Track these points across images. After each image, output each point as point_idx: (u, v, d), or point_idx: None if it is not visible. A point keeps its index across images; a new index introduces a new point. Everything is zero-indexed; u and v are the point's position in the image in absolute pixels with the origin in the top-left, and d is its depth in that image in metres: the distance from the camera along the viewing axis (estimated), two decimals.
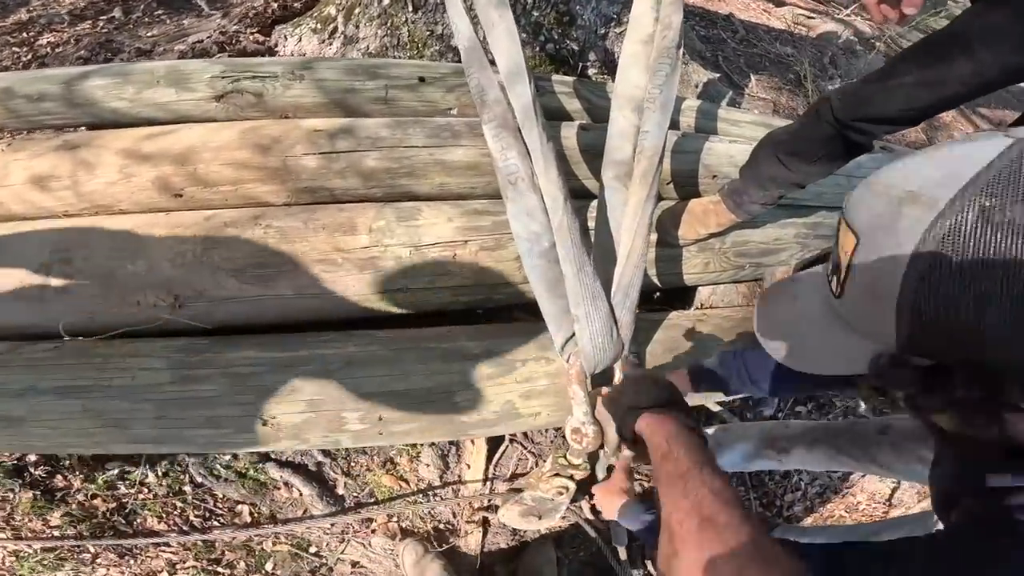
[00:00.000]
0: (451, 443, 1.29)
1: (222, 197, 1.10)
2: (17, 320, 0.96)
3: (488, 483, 1.25)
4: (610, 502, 0.88)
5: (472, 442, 1.27)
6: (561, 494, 1.02)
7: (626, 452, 0.89)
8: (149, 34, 1.85)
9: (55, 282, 0.93)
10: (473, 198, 1.15)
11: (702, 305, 1.31)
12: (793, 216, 1.34)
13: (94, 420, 0.87)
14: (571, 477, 1.04)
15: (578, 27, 1.72)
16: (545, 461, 1.10)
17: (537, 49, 1.66)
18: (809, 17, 2.92)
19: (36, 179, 1.08)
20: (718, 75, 2.24)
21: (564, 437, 0.96)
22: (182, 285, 0.96)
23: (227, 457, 1.11)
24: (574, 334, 0.91)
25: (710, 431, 1.22)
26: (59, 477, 1.05)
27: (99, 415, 0.87)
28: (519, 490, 1.10)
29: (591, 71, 1.78)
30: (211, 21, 1.91)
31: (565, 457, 1.03)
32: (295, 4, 1.95)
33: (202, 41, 1.75)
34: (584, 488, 1.06)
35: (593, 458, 1.02)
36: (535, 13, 1.62)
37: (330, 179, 1.12)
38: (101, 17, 1.90)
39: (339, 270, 1.01)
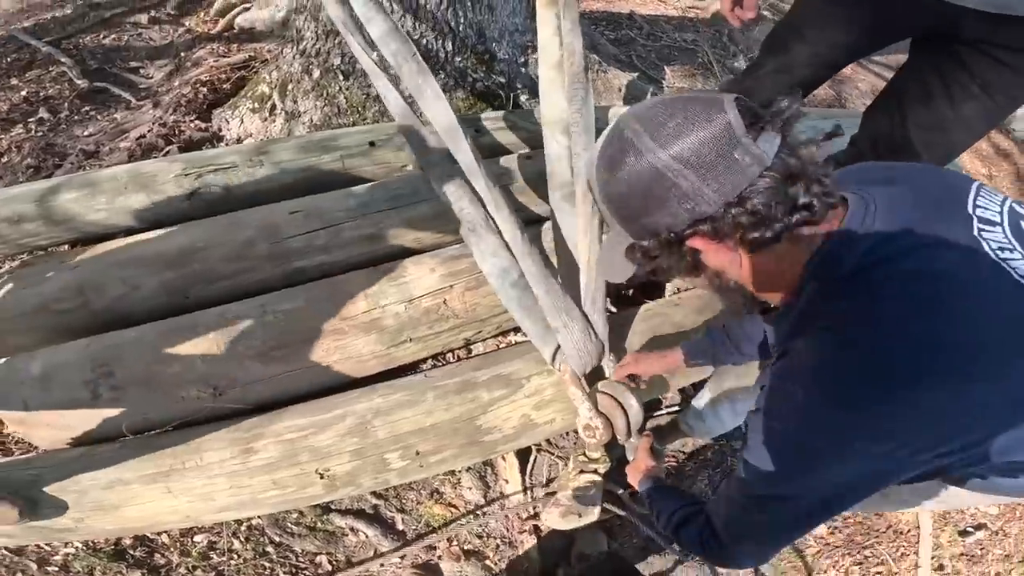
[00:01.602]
0: (485, 464, 1.42)
1: (227, 290, 1.25)
2: (83, 428, 1.09)
3: (528, 492, 1.39)
4: (636, 479, 1.04)
5: (503, 458, 1.41)
6: (591, 489, 1.19)
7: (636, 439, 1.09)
8: (86, 133, 1.94)
9: (106, 394, 1.07)
10: (448, 244, 1.32)
11: (678, 290, 1.47)
12: None
13: (179, 498, 1.02)
14: (595, 471, 1.21)
15: (499, 62, 1.91)
16: (569, 462, 1.28)
17: (468, 91, 1.84)
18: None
19: None
20: (636, 74, 2.50)
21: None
22: (217, 376, 1.11)
23: (295, 515, 1.24)
24: (559, 345, 1.10)
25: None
26: (157, 555, 1.16)
27: (183, 493, 1.02)
28: (554, 494, 1.24)
29: (522, 98, 1.99)
30: (144, 113, 2.02)
31: (584, 454, 1.21)
32: (224, 86, 2.09)
33: (145, 136, 1.84)
34: (617, 480, 1.22)
35: (612, 449, 1.18)
36: (457, 59, 1.80)
37: (316, 256, 1.28)
38: (30, 120, 1.97)
39: (347, 336, 1.18)
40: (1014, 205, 0.63)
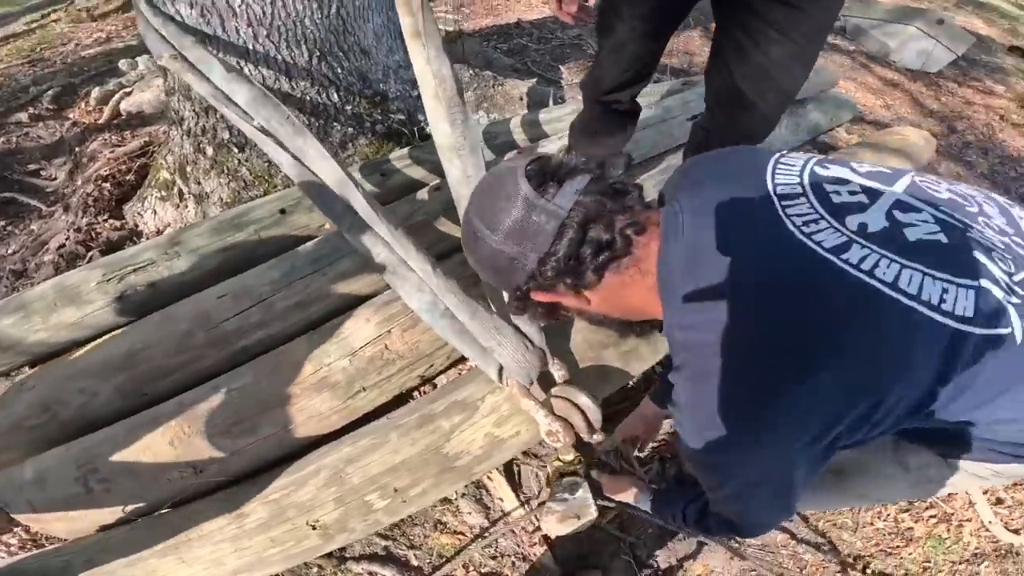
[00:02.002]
0: (478, 487, 1.47)
1: (179, 381, 1.28)
2: (91, 518, 1.16)
3: (525, 505, 1.44)
4: (621, 493, 1.13)
5: (490, 479, 1.46)
6: (576, 490, 1.25)
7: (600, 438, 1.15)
8: (10, 251, 1.92)
9: (97, 487, 1.13)
10: (380, 292, 1.38)
11: None
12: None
13: (194, 567, 1.10)
14: (575, 472, 1.28)
15: (393, 100, 1.96)
16: (547, 468, 1.34)
17: (370, 135, 1.88)
18: None
19: None
20: (534, 79, 2.61)
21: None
22: (191, 457, 1.16)
23: (315, 569, 1.28)
24: (501, 364, 1.16)
25: None
26: None
27: (195, 562, 1.10)
28: (544, 503, 1.29)
29: (428, 129, 2.05)
30: (58, 220, 2.00)
31: (559, 458, 1.28)
32: (128, 178, 2.08)
33: (64, 245, 1.83)
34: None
35: (584, 447, 1.24)
36: (348, 108, 1.84)
37: (254, 332, 1.32)
38: None
39: (302, 399, 1.22)
40: (815, 168, 0.66)
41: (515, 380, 1.16)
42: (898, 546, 1.76)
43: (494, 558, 1.39)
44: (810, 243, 0.57)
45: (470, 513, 1.42)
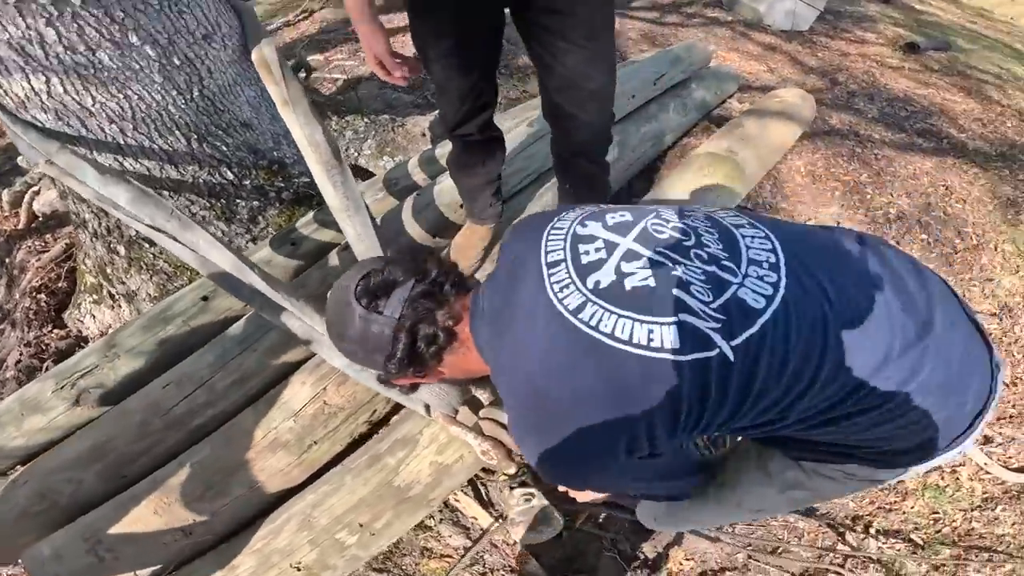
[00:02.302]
0: (451, 511, 1.56)
1: (151, 461, 1.41)
2: None
3: (499, 520, 1.49)
4: (579, 493, 1.21)
5: (457, 501, 1.55)
6: (531, 498, 1.38)
7: None
8: None
9: (107, 556, 1.26)
10: (309, 357, 1.50)
11: None
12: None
13: None
14: (523, 483, 1.41)
15: (291, 165, 1.94)
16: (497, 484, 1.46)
17: (277, 205, 1.91)
18: None
19: None
20: (434, 112, 2.65)
21: None
22: (179, 522, 1.30)
23: None
24: (425, 401, 1.31)
25: None
26: None
27: None
28: (506, 517, 1.42)
29: None
30: (8, 338, 2.04)
31: (504, 474, 1.43)
32: (60, 285, 2.13)
33: (20, 360, 1.89)
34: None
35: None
36: (247, 183, 1.82)
37: (204, 411, 1.44)
38: None
39: (259, 460, 1.35)
40: (577, 228, 0.75)
41: (440, 412, 1.31)
42: (895, 501, 1.79)
43: (484, 575, 1.49)
44: (560, 307, 0.67)
45: (451, 536, 1.53)
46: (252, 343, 1.51)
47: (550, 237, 0.75)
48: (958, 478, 1.86)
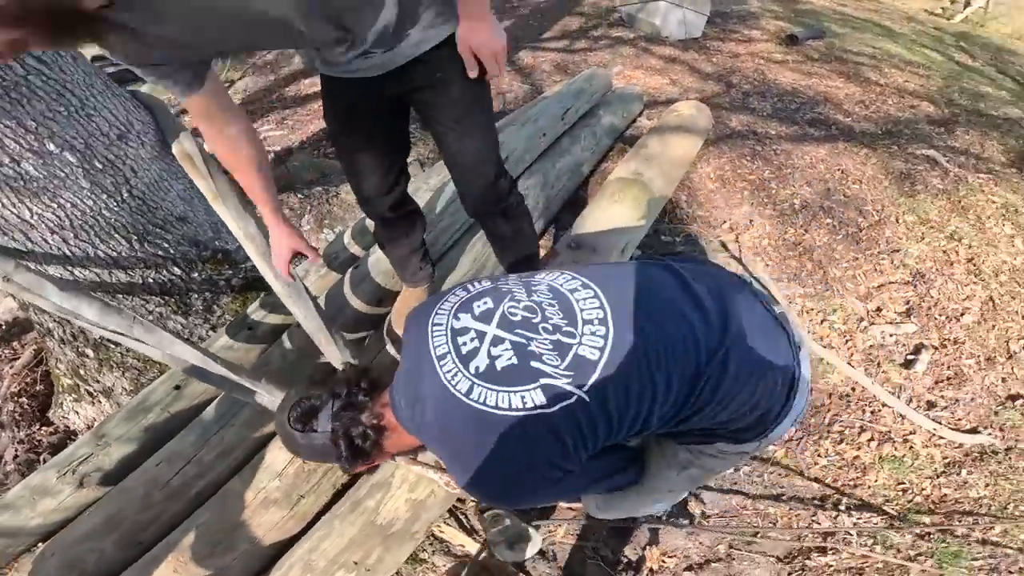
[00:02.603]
0: (440, 542, 1.67)
1: (159, 528, 1.54)
2: None
3: (484, 544, 1.60)
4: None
5: (442, 531, 1.68)
6: (498, 519, 1.53)
7: None
8: None
9: None
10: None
11: None
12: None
13: None
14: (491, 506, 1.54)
15: (236, 252, 2.01)
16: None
17: (230, 293, 1.99)
18: None
19: None
20: None
21: None
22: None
23: None
24: None
25: None
26: None
27: None
28: (486, 541, 1.57)
29: None
30: (2, 438, 2.09)
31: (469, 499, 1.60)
32: (38, 388, 2.21)
33: (17, 456, 1.99)
34: None
35: None
36: (196, 275, 1.90)
37: (197, 482, 1.58)
38: None
39: (256, 517, 1.50)
40: (452, 322, 0.93)
41: (403, 457, 1.48)
42: (856, 477, 1.86)
43: None
44: (455, 392, 0.86)
45: (445, 565, 1.64)
46: (229, 419, 1.66)
47: (434, 333, 0.93)
48: (912, 447, 1.94)
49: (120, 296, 1.75)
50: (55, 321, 1.82)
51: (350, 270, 2.04)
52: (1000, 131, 3.81)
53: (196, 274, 1.89)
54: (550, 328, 0.89)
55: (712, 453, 1.07)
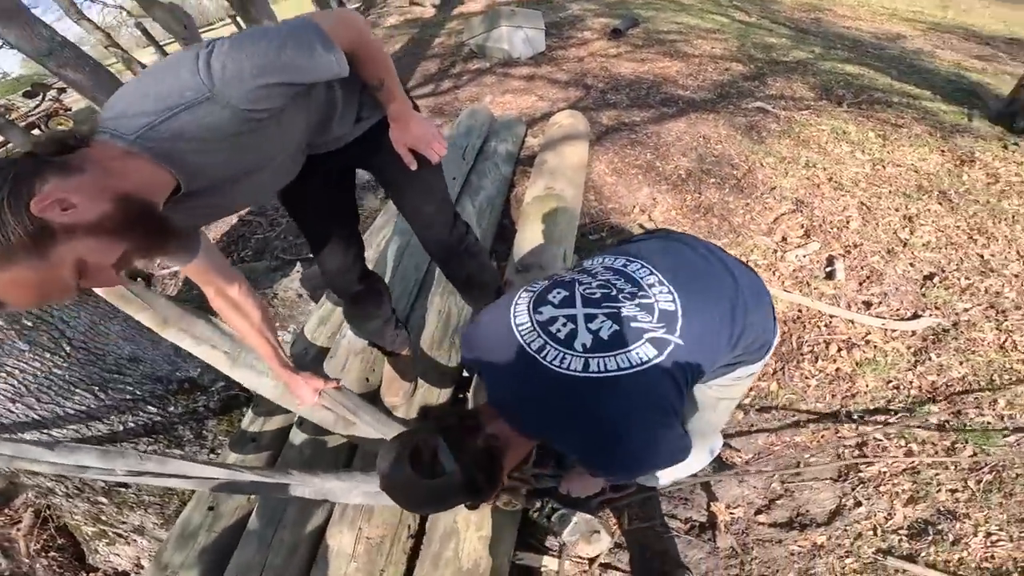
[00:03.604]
0: (528, 572, 1.64)
1: None
2: None
3: (561, 556, 1.61)
4: (585, 487, 1.43)
5: (521, 559, 1.63)
6: (565, 515, 1.53)
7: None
8: None
9: None
10: (330, 513, 1.63)
11: None
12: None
13: None
14: (553, 508, 1.54)
15: (200, 376, 1.96)
16: None
17: (212, 415, 1.93)
18: None
19: None
20: (296, 265, 2.73)
21: None
22: None
23: None
24: None
25: None
26: None
27: None
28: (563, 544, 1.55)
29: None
30: None
31: (531, 513, 1.56)
32: (61, 542, 1.97)
33: None
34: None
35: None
36: (172, 410, 1.83)
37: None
38: None
39: None
40: (535, 317, 0.95)
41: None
42: (847, 388, 1.95)
43: None
44: (573, 373, 0.87)
45: None
46: (279, 520, 1.60)
47: (522, 331, 0.94)
48: (876, 346, 2.06)
49: (109, 446, 1.65)
50: (53, 480, 1.71)
51: (326, 361, 2.00)
52: (798, 73, 4.35)
53: (172, 408, 1.84)
54: (628, 295, 0.96)
55: (730, 383, 1.16)
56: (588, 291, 0.98)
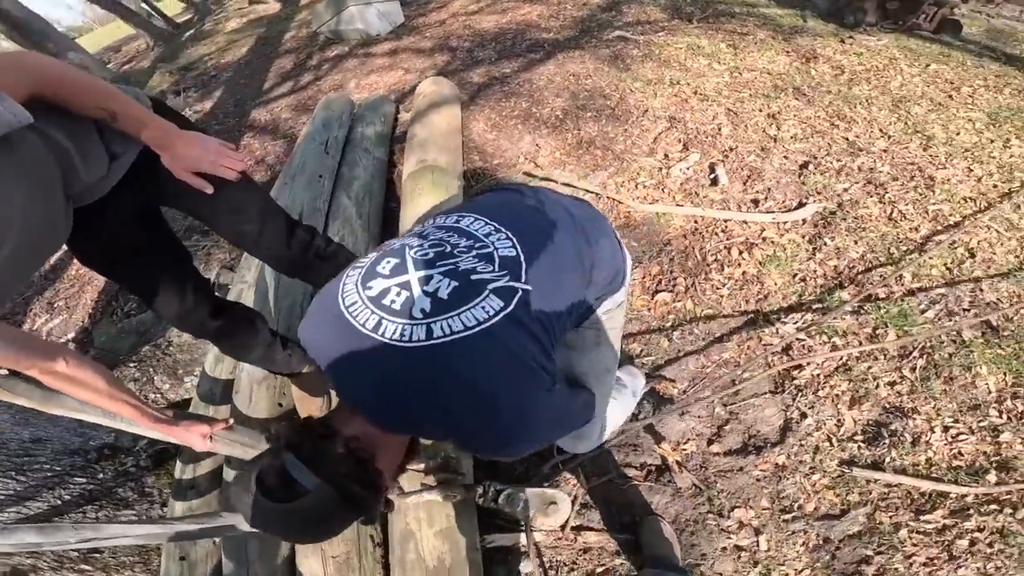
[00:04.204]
0: (498, 552, 1.53)
1: None
2: None
3: (524, 526, 1.51)
4: None
5: (492, 541, 1.53)
6: (511, 494, 1.47)
7: None
8: None
9: None
10: None
11: None
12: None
13: None
14: (497, 491, 1.48)
15: (118, 439, 1.82)
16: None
17: (146, 471, 1.79)
18: None
19: None
20: None
21: None
22: None
23: None
24: None
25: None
26: None
27: None
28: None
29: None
30: None
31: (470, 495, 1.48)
32: None
33: None
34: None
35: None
36: (103, 476, 1.71)
37: None
38: None
39: None
40: (365, 293, 0.82)
41: (392, 499, 1.40)
42: (759, 289, 1.94)
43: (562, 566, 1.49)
44: (413, 345, 0.74)
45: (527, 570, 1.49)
46: (247, 557, 1.48)
47: (354, 313, 0.80)
48: (773, 241, 2.08)
49: (56, 520, 1.56)
50: (31, 556, 1.56)
51: (233, 396, 1.83)
52: None
53: (102, 475, 1.73)
54: (465, 248, 0.86)
55: (604, 316, 1.10)
56: (420, 253, 0.85)
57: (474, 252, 0.85)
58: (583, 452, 1.51)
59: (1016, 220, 2.02)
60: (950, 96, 2.72)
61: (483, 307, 0.78)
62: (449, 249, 0.86)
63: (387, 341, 0.75)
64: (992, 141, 2.38)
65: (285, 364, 1.62)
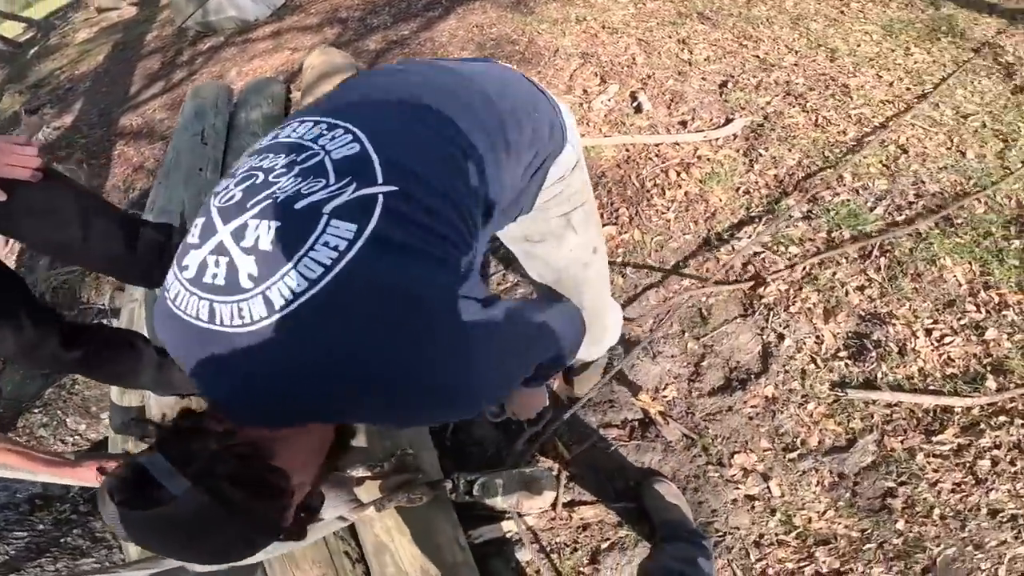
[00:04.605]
0: (495, 545, 1.35)
1: None
2: None
3: (511, 513, 1.33)
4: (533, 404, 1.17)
5: (480, 536, 1.34)
6: (486, 482, 1.30)
7: None
8: None
9: None
10: None
11: None
12: None
13: None
14: (469, 482, 1.30)
15: (47, 488, 1.66)
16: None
17: (87, 517, 1.58)
18: None
19: None
20: None
21: None
22: None
23: None
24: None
25: None
26: None
27: None
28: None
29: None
30: None
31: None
32: None
33: None
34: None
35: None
36: (43, 527, 1.60)
37: None
38: None
39: None
40: (187, 264, 0.61)
41: (350, 511, 1.16)
42: (705, 207, 1.87)
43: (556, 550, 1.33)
44: (254, 320, 0.55)
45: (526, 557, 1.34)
46: None
47: (183, 306, 0.60)
48: (709, 159, 2.01)
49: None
50: None
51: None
52: None
53: (43, 526, 1.66)
54: (282, 169, 0.62)
55: (559, 185, 0.88)
56: (225, 199, 0.62)
57: (296, 169, 0.61)
58: (598, 356, 1.39)
59: (938, 117, 2.04)
60: (842, 12, 2.76)
61: (325, 242, 0.55)
62: (261, 179, 0.62)
63: (226, 330, 0.56)
64: (893, 51, 2.42)
65: (186, 383, 1.38)
